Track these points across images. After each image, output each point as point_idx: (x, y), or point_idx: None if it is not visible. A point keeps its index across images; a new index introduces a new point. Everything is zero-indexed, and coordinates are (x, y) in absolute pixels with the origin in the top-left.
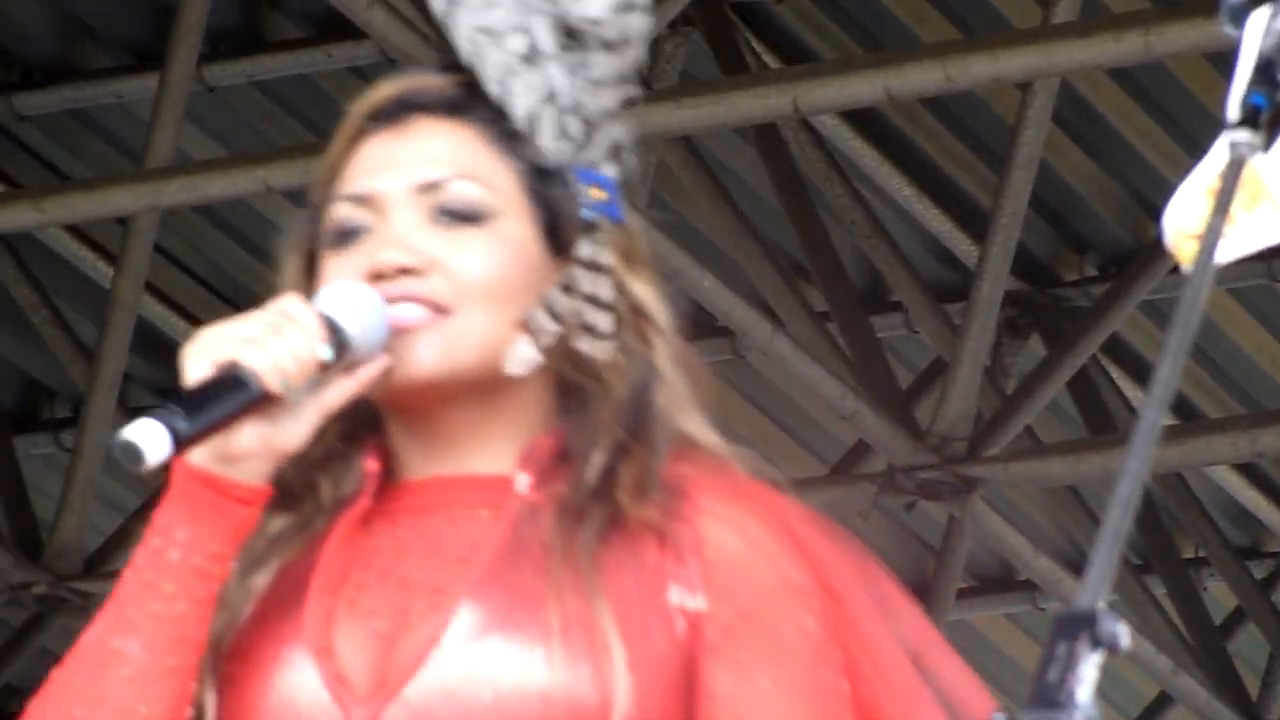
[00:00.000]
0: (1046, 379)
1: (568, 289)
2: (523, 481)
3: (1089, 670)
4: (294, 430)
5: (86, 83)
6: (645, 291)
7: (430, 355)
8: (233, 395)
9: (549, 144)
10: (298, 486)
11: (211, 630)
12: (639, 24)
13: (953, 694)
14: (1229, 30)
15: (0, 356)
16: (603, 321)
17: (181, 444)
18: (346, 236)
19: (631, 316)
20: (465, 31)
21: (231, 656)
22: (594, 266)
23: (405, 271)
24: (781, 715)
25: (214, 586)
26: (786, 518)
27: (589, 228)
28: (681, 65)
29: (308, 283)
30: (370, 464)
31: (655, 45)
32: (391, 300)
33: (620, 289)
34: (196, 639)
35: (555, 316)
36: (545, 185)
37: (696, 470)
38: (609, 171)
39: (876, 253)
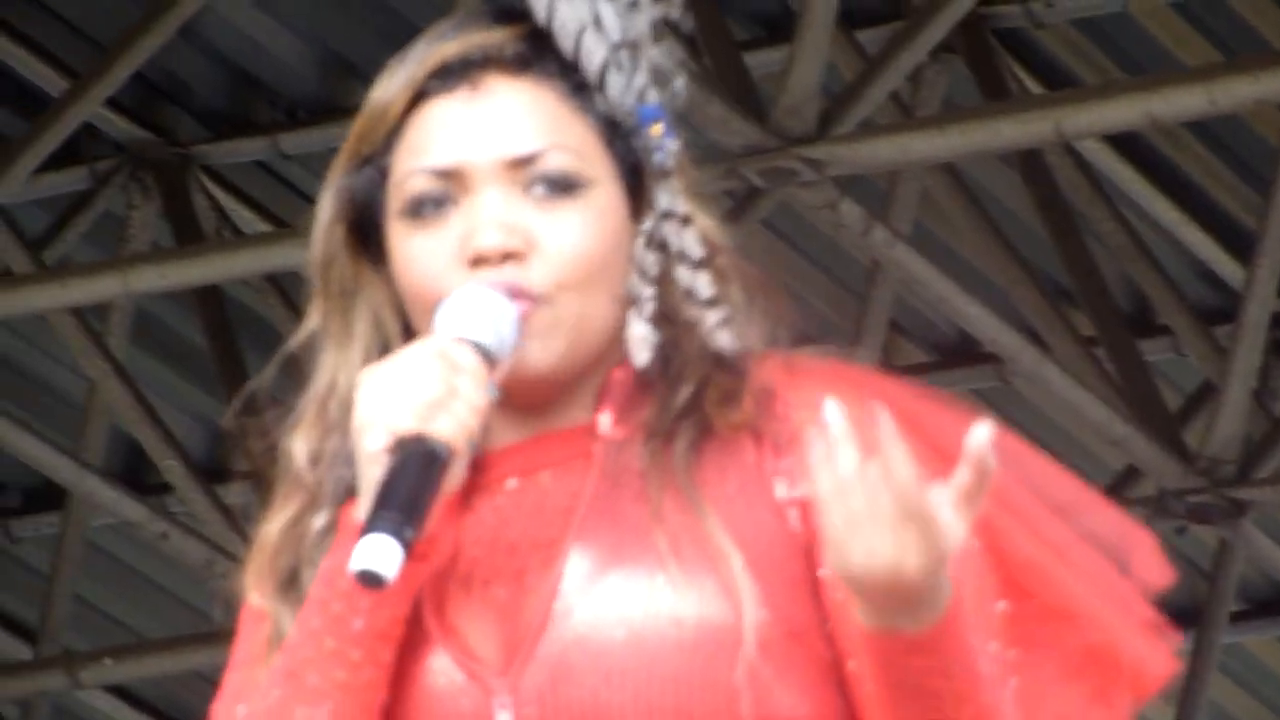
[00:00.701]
0: None
1: (650, 244)
2: (605, 421)
3: None
4: (459, 472)
5: (350, 120)
6: (709, 224)
7: (538, 353)
8: (429, 472)
9: (617, 94)
10: (341, 484)
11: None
12: None
13: (1099, 530)
14: None
15: (274, 394)
16: (702, 283)
17: (409, 548)
18: (424, 208)
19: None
20: None
21: None
22: (675, 216)
23: (509, 256)
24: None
25: (393, 648)
26: (884, 395)
27: (664, 175)
28: (944, 92)
29: (361, 245)
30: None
31: (917, 73)
32: (493, 288)
33: (679, 209)
34: (378, 703)
35: (649, 279)
36: (621, 138)
37: (777, 369)
38: (655, 98)
39: (1142, 276)
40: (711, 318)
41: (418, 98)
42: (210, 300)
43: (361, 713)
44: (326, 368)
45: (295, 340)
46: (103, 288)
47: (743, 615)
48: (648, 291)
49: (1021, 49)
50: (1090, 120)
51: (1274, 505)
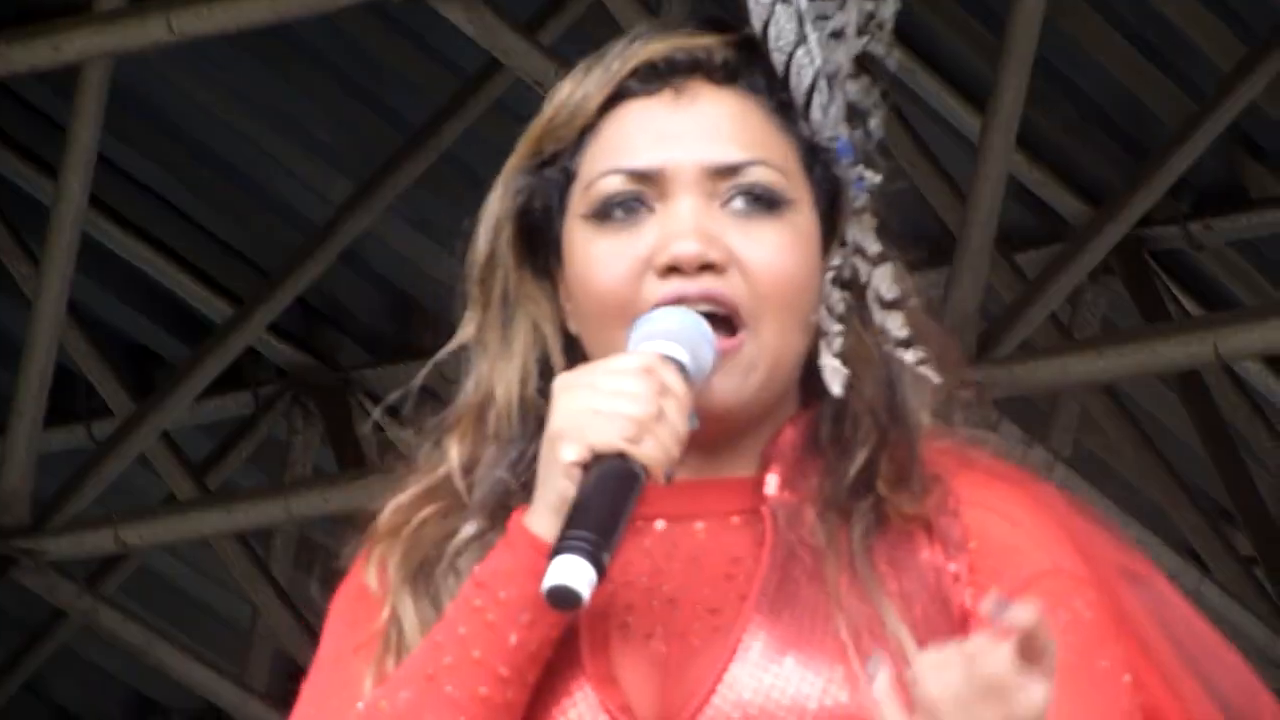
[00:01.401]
0: None
1: (838, 280)
2: (772, 482)
3: None
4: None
5: None
6: (899, 270)
7: (729, 388)
8: (627, 494)
9: (819, 117)
10: (498, 489)
11: None
12: None
13: (1230, 695)
14: None
15: None
16: (895, 324)
17: (603, 571)
18: (614, 211)
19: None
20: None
21: None
22: (867, 254)
23: (706, 267)
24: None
25: (540, 672)
26: (1053, 505)
27: (860, 210)
28: (1102, 313)
29: (528, 250)
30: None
31: (1076, 294)
32: (687, 301)
33: (869, 278)
34: None
35: (836, 316)
36: (820, 165)
37: (950, 458)
38: (847, 135)
39: None
40: (909, 357)
41: (614, 98)
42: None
43: None
44: (483, 378)
45: (446, 350)
46: (266, 513)
47: None
48: (835, 327)
49: (1179, 270)
50: (1249, 341)
51: None
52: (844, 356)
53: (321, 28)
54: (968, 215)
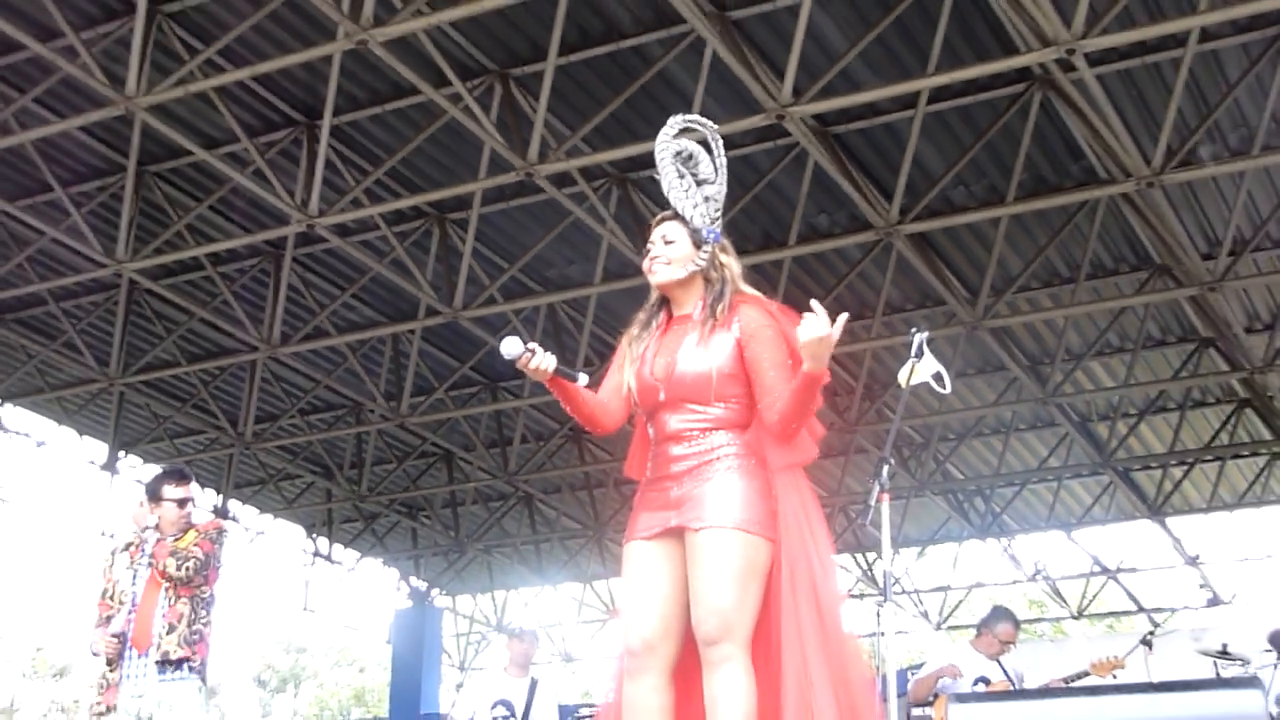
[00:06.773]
0: None
1: (700, 253)
2: (695, 314)
3: None
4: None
5: None
6: (726, 257)
7: (663, 275)
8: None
9: (696, 222)
10: (648, 325)
11: (637, 372)
12: (720, 176)
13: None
14: None
15: None
16: (730, 263)
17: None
18: (647, 253)
19: (720, 264)
20: (667, 189)
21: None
22: (708, 249)
23: (656, 257)
24: (770, 355)
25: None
26: (770, 309)
27: (706, 241)
28: None
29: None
30: (665, 314)
31: None
32: (654, 260)
33: (716, 257)
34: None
35: (699, 261)
36: (695, 232)
37: (740, 298)
38: (717, 227)
39: None
40: (735, 269)
41: (652, 229)
42: None
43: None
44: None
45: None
46: None
47: (713, 367)
48: (700, 263)
49: None
50: None
51: None
52: (712, 272)
53: None
54: None
